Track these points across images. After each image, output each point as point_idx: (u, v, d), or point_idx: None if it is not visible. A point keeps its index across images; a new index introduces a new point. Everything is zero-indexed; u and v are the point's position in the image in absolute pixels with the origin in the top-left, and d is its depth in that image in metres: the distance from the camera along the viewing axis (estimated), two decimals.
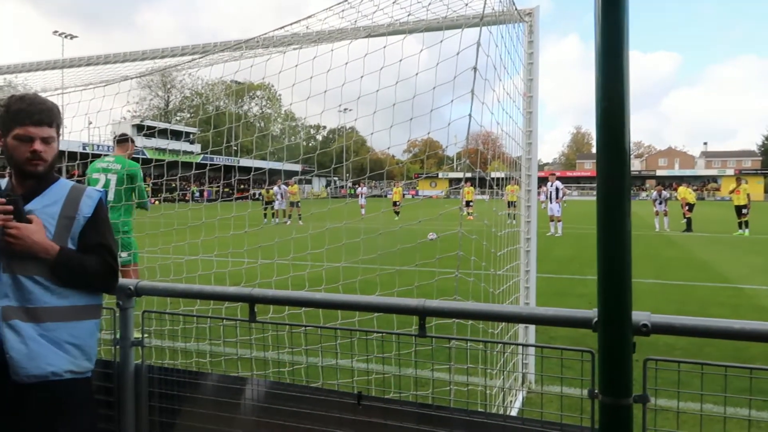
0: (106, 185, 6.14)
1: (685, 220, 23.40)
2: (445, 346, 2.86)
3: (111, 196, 6.06)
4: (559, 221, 21.20)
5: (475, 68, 3.48)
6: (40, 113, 2.26)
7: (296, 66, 5.02)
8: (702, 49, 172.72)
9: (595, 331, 1.99)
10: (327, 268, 4.56)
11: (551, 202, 21.20)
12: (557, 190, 21.10)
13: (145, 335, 2.87)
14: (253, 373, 2.85)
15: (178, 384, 2.69)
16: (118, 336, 2.81)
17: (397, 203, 31.19)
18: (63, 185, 2.38)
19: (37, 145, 2.25)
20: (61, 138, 2.45)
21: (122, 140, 6.69)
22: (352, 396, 2.36)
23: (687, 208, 23.38)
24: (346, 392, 2.39)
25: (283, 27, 5.34)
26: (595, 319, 1.99)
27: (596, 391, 1.92)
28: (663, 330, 2.01)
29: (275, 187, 27.77)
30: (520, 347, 4.43)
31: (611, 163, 1.87)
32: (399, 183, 34.67)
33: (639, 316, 2.01)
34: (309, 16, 5.07)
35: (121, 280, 2.75)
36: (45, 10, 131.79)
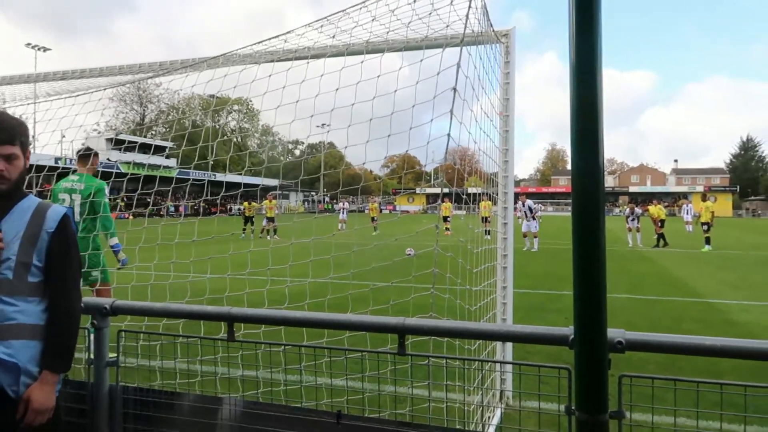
0: (71, 206, 5.97)
1: (656, 236, 23.86)
2: (422, 364, 2.87)
3: (77, 217, 5.92)
4: (535, 237, 21.74)
5: (454, 89, 3.54)
6: (0, 132, 2.23)
7: (269, 76, 5.01)
8: (677, 69, 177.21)
9: (571, 349, 2.03)
10: (302, 283, 4.54)
11: (527, 220, 21.82)
12: (530, 209, 21.78)
13: (120, 355, 2.83)
14: (230, 393, 2.82)
15: (154, 405, 2.65)
16: (92, 356, 2.76)
17: (375, 219, 31.92)
18: (30, 201, 2.36)
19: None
20: (30, 153, 2.42)
21: (85, 155, 6.43)
22: (331, 415, 2.35)
23: (659, 224, 23.89)
24: (326, 411, 2.38)
25: (261, 42, 5.35)
26: (572, 336, 2.02)
27: (573, 407, 1.95)
28: (638, 347, 2.06)
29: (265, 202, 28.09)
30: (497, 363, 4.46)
31: (585, 183, 1.91)
32: (375, 199, 35.22)
33: (614, 333, 2.05)
34: (288, 32, 5.10)
35: (96, 299, 2.71)
36: (16, 19, 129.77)
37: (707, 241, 22.19)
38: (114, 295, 6.11)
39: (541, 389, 2.36)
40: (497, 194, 5.28)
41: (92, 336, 2.84)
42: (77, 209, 5.98)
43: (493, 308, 4.84)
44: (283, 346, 2.75)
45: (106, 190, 6.24)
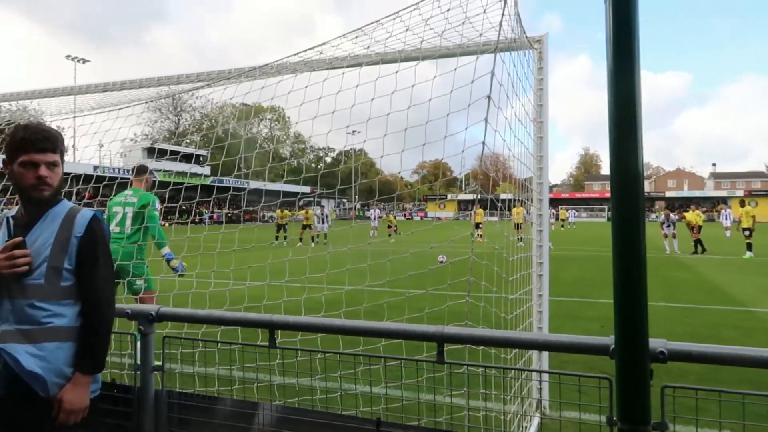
0: (123, 218, 6.25)
1: (693, 242, 23.29)
2: (460, 372, 2.88)
3: (128, 230, 6.19)
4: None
5: (489, 96, 3.55)
6: (43, 141, 2.36)
7: (305, 87, 5.10)
8: (713, 69, 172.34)
9: (612, 358, 2.02)
10: (339, 291, 4.59)
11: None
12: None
13: (165, 360, 2.91)
14: (270, 399, 2.88)
15: (197, 409, 2.72)
16: (138, 361, 2.85)
17: (390, 226, 33.57)
18: (62, 207, 2.47)
19: (43, 171, 2.35)
20: (66, 163, 2.55)
21: (140, 171, 6.79)
22: (371, 422, 2.38)
23: (695, 230, 23.29)
24: (366, 419, 2.41)
25: (296, 54, 5.44)
26: (612, 346, 2.01)
27: (615, 418, 1.94)
28: (680, 357, 2.04)
29: (317, 210, 29.26)
30: (535, 372, 4.42)
31: (625, 192, 1.91)
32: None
33: (656, 343, 2.04)
34: (323, 44, 5.18)
35: (143, 307, 2.80)
36: (53, 31, 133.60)
37: (748, 247, 21.50)
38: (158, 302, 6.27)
39: (580, 399, 2.35)
40: (529, 200, 5.25)
41: (138, 342, 2.93)
42: (128, 222, 6.24)
43: (528, 317, 4.82)
44: (322, 354, 2.79)
45: (157, 204, 6.49)
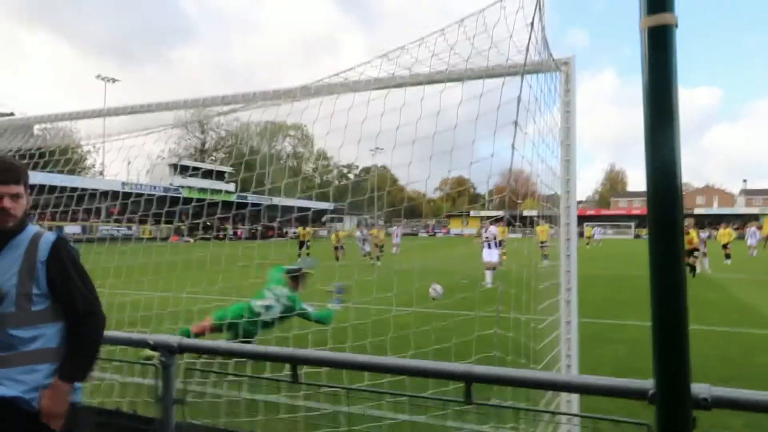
0: (270, 308, 6.95)
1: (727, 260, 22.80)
2: (488, 404, 2.78)
3: (275, 312, 6.95)
4: (493, 268, 17.48)
5: (516, 122, 3.48)
6: (6, 172, 2.43)
7: (331, 115, 5.11)
8: (743, 84, 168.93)
9: (651, 404, 1.92)
10: (364, 322, 4.51)
11: (489, 248, 17.87)
12: (495, 236, 18.03)
13: (186, 392, 2.87)
14: None
15: None
16: (159, 393, 2.81)
17: (381, 248, 28.10)
18: (26, 234, 2.52)
19: (6, 203, 2.41)
20: (96, 178, 2.60)
21: (296, 276, 7.42)
22: None
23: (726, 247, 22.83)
24: None
25: (321, 80, 5.45)
26: (652, 390, 1.91)
27: None
28: (725, 404, 1.92)
29: (357, 232, 28.95)
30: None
31: (664, 236, 1.82)
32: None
33: (699, 388, 1.93)
34: (348, 69, 5.17)
35: (164, 337, 2.76)
36: (80, 47, 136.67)
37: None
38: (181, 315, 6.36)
39: None
40: (555, 217, 5.15)
41: (160, 372, 2.89)
42: (275, 312, 6.94)
43: (557, 344, 4.68)
44: (345, 390, 2.72)
45: (304, 305, 7.13)
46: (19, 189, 2.48)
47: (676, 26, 1.85)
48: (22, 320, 2.37)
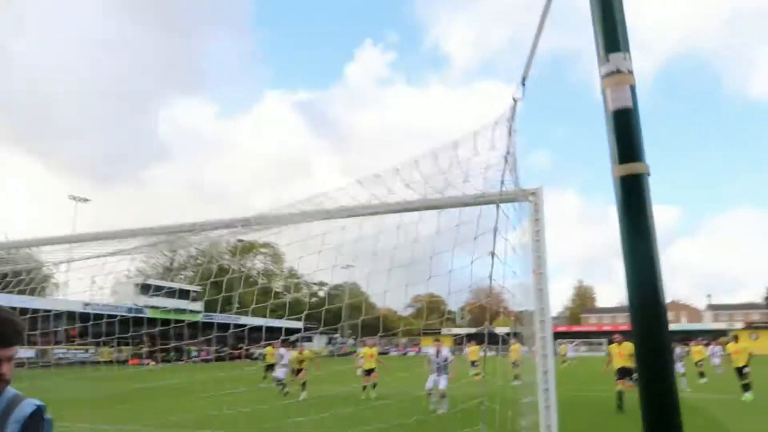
0: None
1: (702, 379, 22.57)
2: None
3: None
4: (443, 396, 15.68)
5: (492, 253, 3.51)
6: (11, 334, 2.11)
7: (304, 240, 5.09)
8: (702, 201, 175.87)
9: None
10: None
11: (436, 374, 16.17)
12: (446, 359, 16.38)
13: None
14: None
15: None
16: None
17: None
18: (5, 396, 2.13)
19: (3, 368, 2.07)
20: (56, 299, 2.35)
21: None
22: None
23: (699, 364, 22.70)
24: None
25: (294, 204, 5.48)
26: None
27: None
28: None
29: (280, 349, 23.36)
30: None
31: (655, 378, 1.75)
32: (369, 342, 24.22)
33: None
34: (320, 194, 5.23)
35: None
36: (56, 167, 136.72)
37: (745, 388, 18.50)
38: None
39: None
40: (526, 336, 5.11)
41: None
42: None
43: None
44: None
45: None
46: (17, 349, 2.12)
47: (648, 174, 1.88)
48: None
